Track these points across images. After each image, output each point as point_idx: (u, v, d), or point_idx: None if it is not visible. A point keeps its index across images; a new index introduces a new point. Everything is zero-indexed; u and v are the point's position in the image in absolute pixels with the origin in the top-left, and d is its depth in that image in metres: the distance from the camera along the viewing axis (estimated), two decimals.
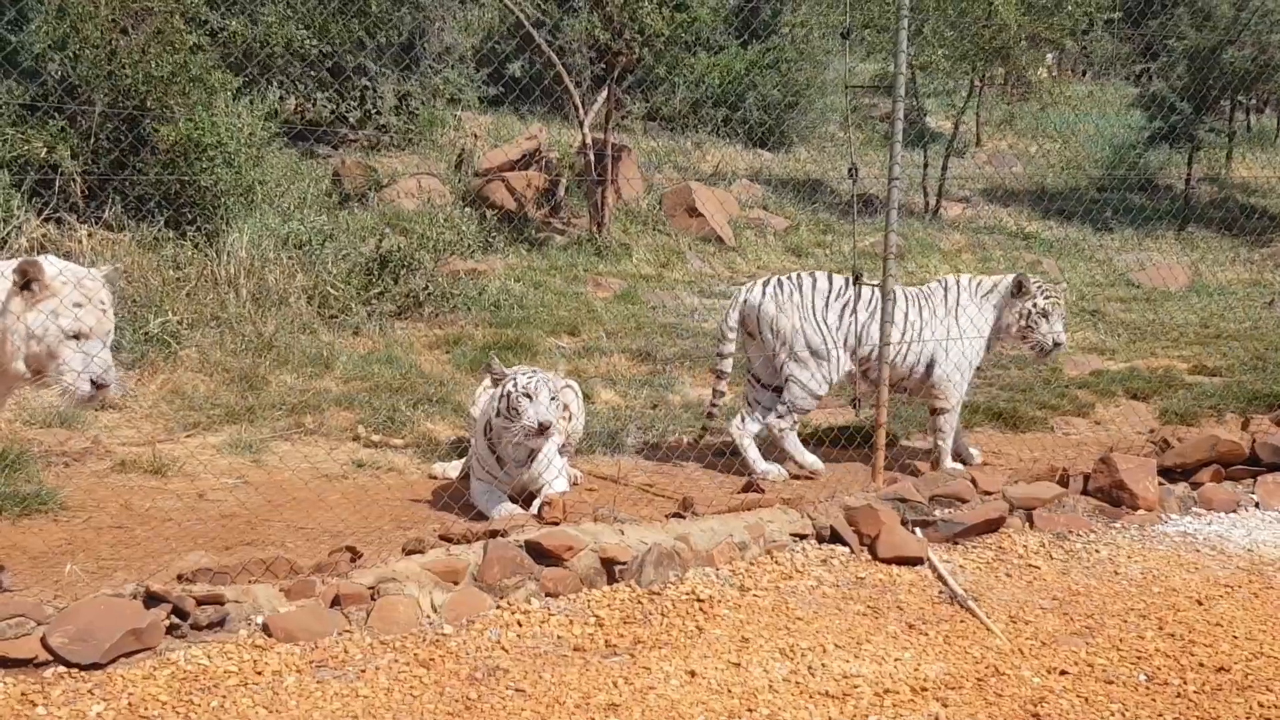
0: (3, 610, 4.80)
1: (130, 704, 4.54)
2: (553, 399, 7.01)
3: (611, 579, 5.78)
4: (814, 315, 8.26)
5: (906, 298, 8.38)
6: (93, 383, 5.12)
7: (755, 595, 5.79)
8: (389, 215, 13.38)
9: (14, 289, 5.07)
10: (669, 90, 19.15)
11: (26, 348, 5.09)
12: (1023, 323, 8.32)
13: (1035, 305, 8.29)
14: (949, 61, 18.72)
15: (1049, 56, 23.44)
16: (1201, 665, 5.23)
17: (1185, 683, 5.06)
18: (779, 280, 8.45)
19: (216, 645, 4.95)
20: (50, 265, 5.19)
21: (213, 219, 11.05)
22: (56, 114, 10.53)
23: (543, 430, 6.93)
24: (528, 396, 6.95)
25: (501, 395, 7.04)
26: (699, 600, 5.69)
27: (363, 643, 5.11)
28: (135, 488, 7.37)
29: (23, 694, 4.53)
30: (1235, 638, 5.51)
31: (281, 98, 14.82)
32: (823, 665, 5.09)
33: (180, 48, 10.81)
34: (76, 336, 5.12)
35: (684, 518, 6.32)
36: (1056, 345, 8.39)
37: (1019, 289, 8.32)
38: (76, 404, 5.23)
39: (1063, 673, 5.11)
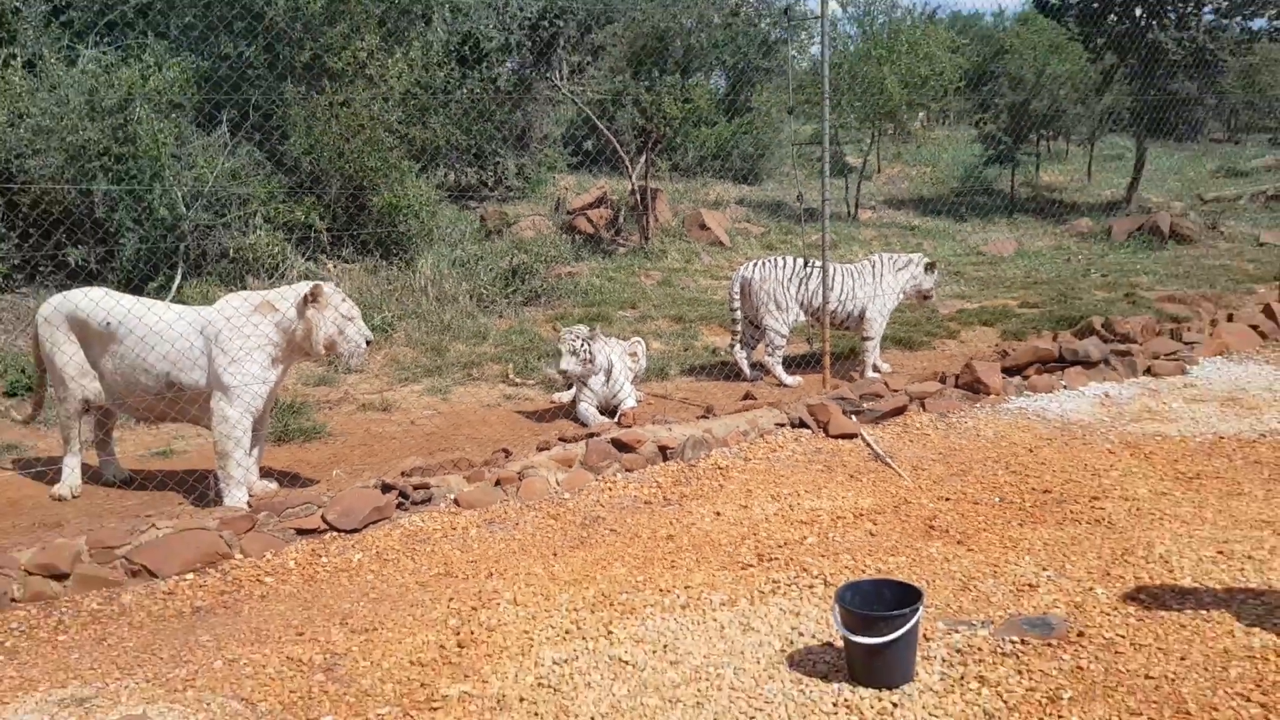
0: (298, 499, 4.89)
1: (378, 552, 4.62)
2: (573, 353, 7.03)
3: (665, 458, 5.80)
4: (782, 285, 8.23)
5: (844, 272, 8.32)
6: (367, 342, 5.36)
7: (754, 463, 5.80)
8: (516, 242, 13.29)
9: (305, 301, 5.26)
10: (684, 151, 18.94)
11: (324, 335, 5.27)
12: (911, 285, 8.36)
13: (915, 275, 8.35)
14: (858, 120, 18.43)
15: (920, 114, 23.02)
16: (1033, 489, 5.15)
17: (1024, 500, 5.00)
18: (762, 261, 8.41)
19: (427, 514, 5.02)
20: (325, 285, 5.36)
21: (409, 252, 11.09)
22: (309, 194, 10.58)
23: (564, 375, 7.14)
24: (559, 354, 7.11)
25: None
26: (720, 468, 5.71)
27: (515, 507, 5.16)
28: (372, 420, 7.46)
29: (312, 550, 4.62)
30: (1053, 471, 5.43)
31: (446, 173, 14.80)
32: (798, 504, 5.08)
33: (383, 148, 10.80)
34: (350, 319, 5.32)
35: (708, 418, 6.31)
36: (927, 298, 8.52)
37: (928, 268, 8.40)
38: (358, 360, 5.36)
39: (947, 499, 5.06)
